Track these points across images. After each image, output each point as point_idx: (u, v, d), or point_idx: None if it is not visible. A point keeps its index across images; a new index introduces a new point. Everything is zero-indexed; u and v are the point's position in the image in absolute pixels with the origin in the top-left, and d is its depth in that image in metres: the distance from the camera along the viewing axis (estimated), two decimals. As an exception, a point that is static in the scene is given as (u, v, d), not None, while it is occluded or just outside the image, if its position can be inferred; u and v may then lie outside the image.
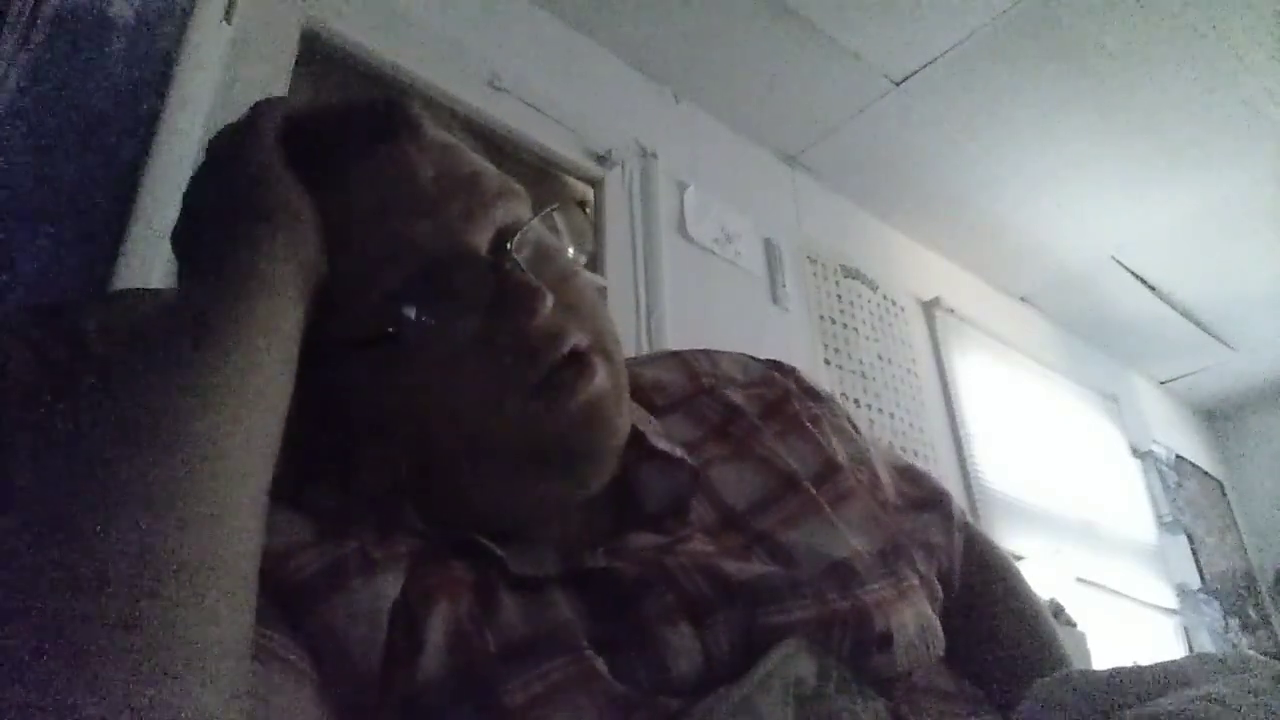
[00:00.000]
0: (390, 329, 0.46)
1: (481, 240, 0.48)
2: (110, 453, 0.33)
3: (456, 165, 0.51)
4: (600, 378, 0.48)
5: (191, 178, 0.51)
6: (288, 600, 0.40)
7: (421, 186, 0.49)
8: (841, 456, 0.60)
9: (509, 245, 0.47)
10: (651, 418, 0.58)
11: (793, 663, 0.43)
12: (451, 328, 0.46)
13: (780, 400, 0.63)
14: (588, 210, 0.53)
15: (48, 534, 0.30)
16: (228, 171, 0.49)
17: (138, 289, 0.92)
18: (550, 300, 0.46)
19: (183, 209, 0.51)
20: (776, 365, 0.69)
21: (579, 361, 0.47)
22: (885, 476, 0.64)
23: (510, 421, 0.46)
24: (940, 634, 0.50)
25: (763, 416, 0.60)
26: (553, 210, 0.53)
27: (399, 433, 0.48)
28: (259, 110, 0.51)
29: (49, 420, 0.35)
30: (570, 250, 0.53)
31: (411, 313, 0.46)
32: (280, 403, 0.40)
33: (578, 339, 0.47)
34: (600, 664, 0.41)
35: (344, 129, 0.51)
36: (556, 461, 0.48)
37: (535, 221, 0.51)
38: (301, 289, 0.44)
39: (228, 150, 0.50)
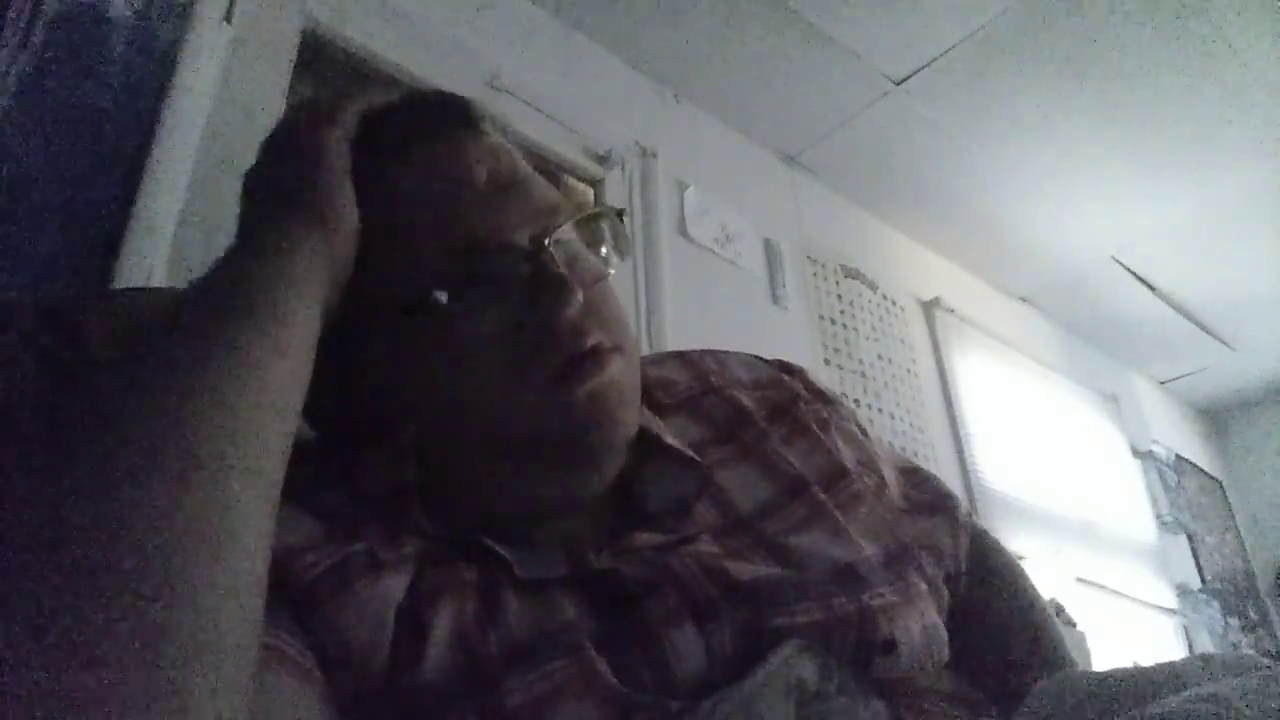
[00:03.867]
0: (425, 299, 0.47)
1: (522, 236, 0.50)
2: (114, 465, 0.32)
3: (509, 169, 0.54)
4: (613, 371, 0.49)
5: (261, 146, 0.52)
6: (294, 599, 0.40)
7: (473, 179, 0.51)
8: (849, 460, 0.59)
9: (546, 241, 0.49)
10: (657, 418, 0.58)
11: (795, 664, 0.43)
12: (482, 310, 0.48)
13: (788, 403, 0.62)
14: (623, 218, 0.55)
15: (48, 542, 0.30)
16: (288, 159, 0.50)
17: (139, 288, 0.92)
18: (581, 296, 0.48)
19: (244, 182, 0.51)
20: (784, 366, 0.69)
21: (596, 356, 0.48)
22: (892, 480, 0.64)
23: (523, 409, 0.47)
24: (945, 640, 0.50)
25: (770, 419, 0.60)
26: (591, 216, 0.54)
27: (410, 418, 0.49)
28: (339, 106, 0.52)
29: (51, 425, 0.35)
30: (604, 251, 0.55)
31: (446, 289, 0.47)
32: (291, 408, 0.40)
33: (600, 338, 0.49)
34: (602, 664, 0.41)
35: (414, 113, 0.54)
36: (563, 452, 0.48)
37: (572, 227, 0.53)
38: (325, 295, 0.45)
39: (296, 138, 0.50)
